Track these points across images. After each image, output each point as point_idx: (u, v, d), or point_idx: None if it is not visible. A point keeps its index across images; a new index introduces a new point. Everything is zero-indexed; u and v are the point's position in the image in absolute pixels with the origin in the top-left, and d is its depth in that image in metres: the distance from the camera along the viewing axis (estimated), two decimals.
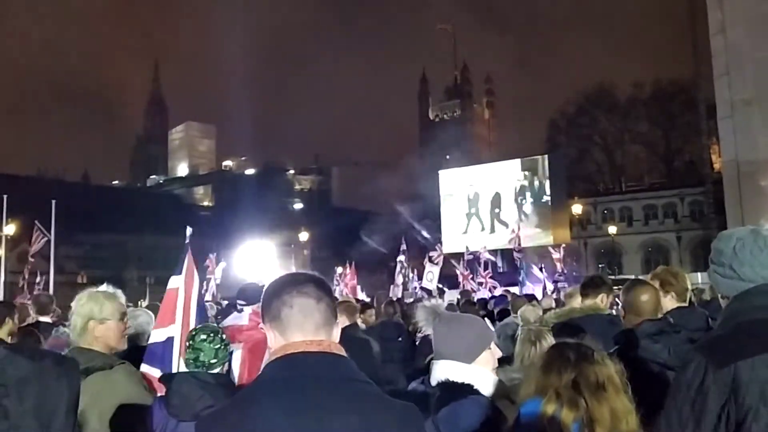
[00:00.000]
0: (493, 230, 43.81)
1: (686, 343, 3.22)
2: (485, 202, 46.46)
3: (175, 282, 4.27)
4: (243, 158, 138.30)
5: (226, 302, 11.16)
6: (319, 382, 1.65)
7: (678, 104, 56.81)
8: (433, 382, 2.60)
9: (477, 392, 2.52)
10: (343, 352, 1.74)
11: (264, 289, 1.83)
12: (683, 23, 49.51)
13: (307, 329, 1.73)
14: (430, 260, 21.18)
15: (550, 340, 3.21)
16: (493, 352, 2.71)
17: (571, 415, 1.94)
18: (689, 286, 4.09)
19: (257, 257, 26.77)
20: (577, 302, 4.69)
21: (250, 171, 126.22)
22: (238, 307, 4.55)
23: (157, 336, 4.00)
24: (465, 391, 2.51)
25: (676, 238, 50.97)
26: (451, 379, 2.55)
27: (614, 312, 5.01)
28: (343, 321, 5.29)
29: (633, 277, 26.22)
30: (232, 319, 4.53)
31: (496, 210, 45.33)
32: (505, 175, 46.83)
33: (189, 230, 4.59)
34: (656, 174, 60.67)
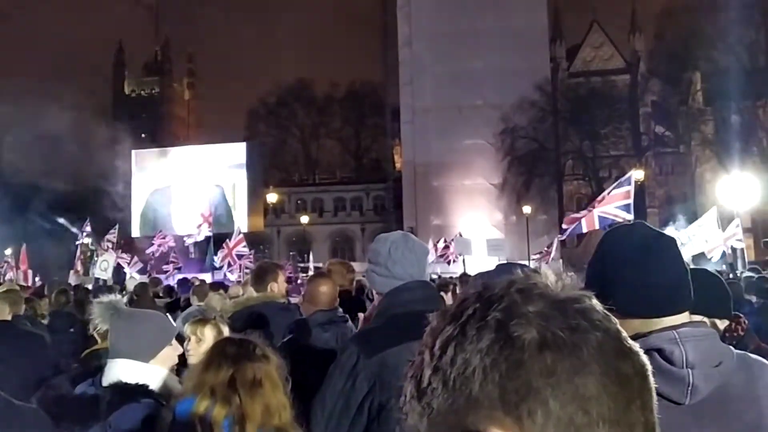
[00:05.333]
0: (190, 215, 42.81)
1: (353, 332, 3.52)
2: (180, 185, 45.15)
3: None
4: None
5: None
6: None
7: (368, 105, 61.28)
8: (105, 383, 2.45)
9: (151, 393, 2.43)
10: None
11: None
12: (378, 33, 53.66)
13: None
14: (105, 246, 19.66)
15: (224, 330, 3.22)
16: (175, 348, 2.65)
17: (222, 412, 1.96)
18: (355, 278, 4.50)
19: None
20: (251, 290, 4.80)
21: None
22: None
23: None
24: (138, 392, 2.40)
25: (360, 230, 55.04)
26: (123, 380, 2.42)
27: None
28: (5, 313, 4.73)
29: (321, 264, 27.68)
30: None
31: (191, 194, 44.30)
32: (203, 159, 46.05)
33: None
34: (347, 169, 64.70)
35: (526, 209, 40.21)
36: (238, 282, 9.44)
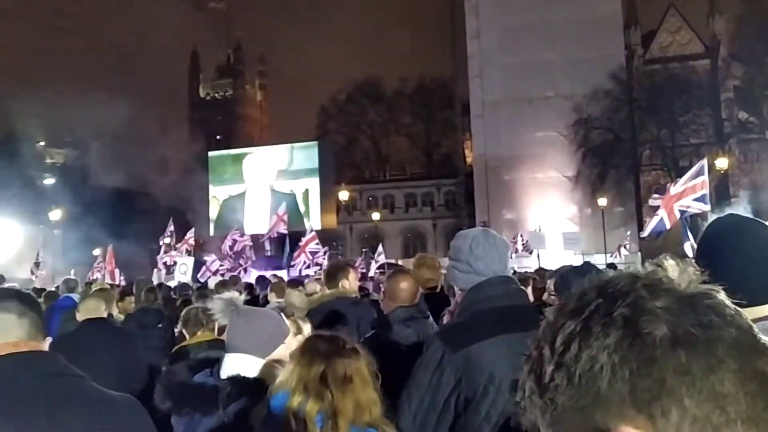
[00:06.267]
0: (263, 213, 43.77)
1: (434, 328, 3.54)
2: (255, 185, 46.21)
3: None
4: None
5: None
6: (19, 381, 1.70)
7: (438, 100, 60.90)
8: (223, 375, 2.56)
9: (267, 388, 2.48)
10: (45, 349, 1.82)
11: None
12: (446, 26, 53.32)
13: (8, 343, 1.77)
14: (181, 251, 20.35)
15: (303, 327, 3.29)
16: (288, 346, 2.71)
17: (315, 407, 2.02)
18: (441, 273, 4.52)
19: None
20: (324, 287, 4.90)
21: None
22: None
23: None
24: (255, 387, 2.48)
25: (432, 225, 54.95)
26: (242, 374, 2.52)
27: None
28: (101, 310, 4.99)
29: (393, 260, 27.73)
30: None
31: (266, 193, 45.31)
32: (276, 159, 46.96)
33: None
34: (417, 165, 64.61)
35: (602, 201, 39.21)
36: (317, 279, 9.59)
